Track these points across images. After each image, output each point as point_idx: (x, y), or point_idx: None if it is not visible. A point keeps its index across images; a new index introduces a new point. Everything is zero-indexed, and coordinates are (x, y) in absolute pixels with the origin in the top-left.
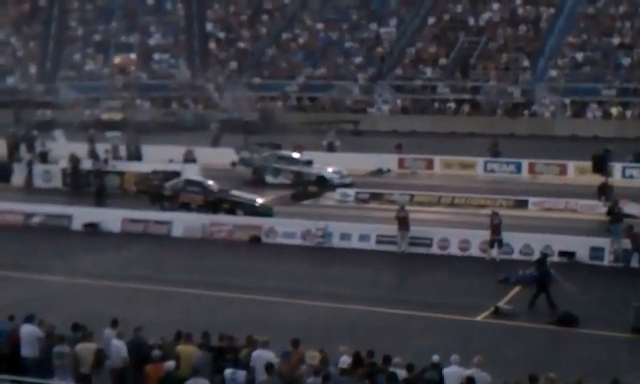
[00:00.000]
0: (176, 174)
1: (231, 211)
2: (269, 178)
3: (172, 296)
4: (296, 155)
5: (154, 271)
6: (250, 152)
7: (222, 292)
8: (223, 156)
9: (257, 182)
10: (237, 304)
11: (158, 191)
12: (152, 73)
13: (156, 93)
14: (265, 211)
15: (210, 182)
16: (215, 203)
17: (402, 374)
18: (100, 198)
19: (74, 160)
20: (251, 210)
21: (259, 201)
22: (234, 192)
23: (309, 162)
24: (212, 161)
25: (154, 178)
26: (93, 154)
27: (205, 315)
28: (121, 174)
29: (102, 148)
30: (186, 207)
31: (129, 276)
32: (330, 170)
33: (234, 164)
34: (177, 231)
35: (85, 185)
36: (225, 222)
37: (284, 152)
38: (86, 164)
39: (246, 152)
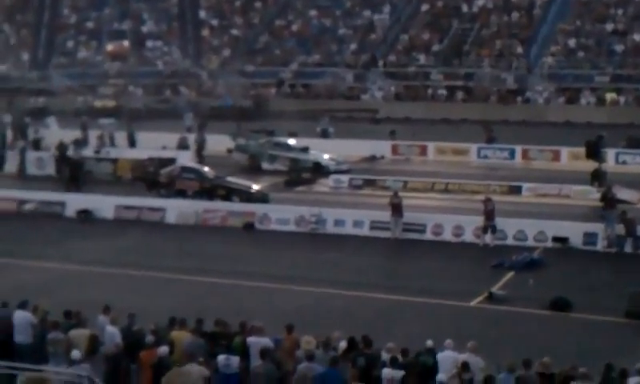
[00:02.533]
0: (171, 161)
1: (227, 198)
2: (265, 165)
3: (166, 282)
4: (292, 142)
5: (148, 258)
6: (246, 139)
7: (215, 278)
8: (217, 143)
9: (253, 169)
10: (231, 290)
11: (153, 178)
12: (145, 60)
13: (149, 80)
14: (261, 197)
15: (206, 169)
16: (211, 190)
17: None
18: (71, 184)
19: (62, 147)
20: (247, 196)
21: (255, 187)
22: (230, 178)
23: (305, 149)
24: (206, 147)
25: (149, 165)
26: (75, 141)
27: (199, 301)
28: (114, 160)
29: (94, 135)
30: (181, 194)
31: (122, 262)
32: (326, 156)
33: (230, 151)
34: (170, 218)
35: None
36: (218, 208)
37: (280, 139)
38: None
39: (242, 139)
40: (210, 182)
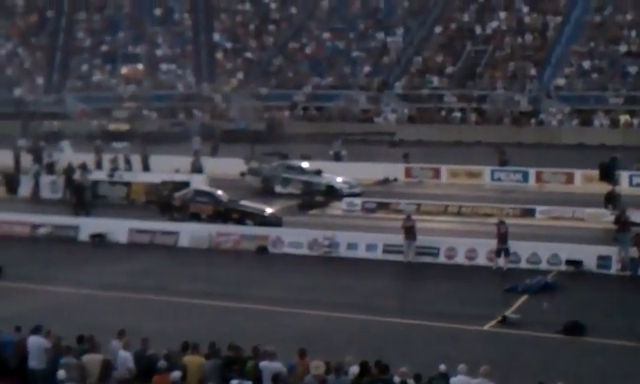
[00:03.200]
0: (185, 185)
1: (241, 221)
2: (278, 188)
3: (179, 306)
4: (305, 165)
5: (161, 282)
6: (259, 162)
7: (228, 302)
8: (230, 166)
9: (266, 192)
10: (244, 314)
11: (167, 201)
12: (159, 83)
13: (163, 103)
14: (274, 221)
15: (220, 192)
16: (225, 213)
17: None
18: (77, 208)
19: (68, 170)
20: (261, 219)
21: (269, 210)
22: (244, 202)
23: (318, 172)
24: (219, 170)
25: (163, 189)
26: (82, 165)
27: (212, 325)
28: (127, 184)
29: (108, 158)
30: (195, 217)
31: (135, 287)
32: (339, 179)
33: (242, 174)
34: (183, 241)
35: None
36: (231, 232)
37: (293, 162)
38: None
39: (255, 162)
40: (224, 206)
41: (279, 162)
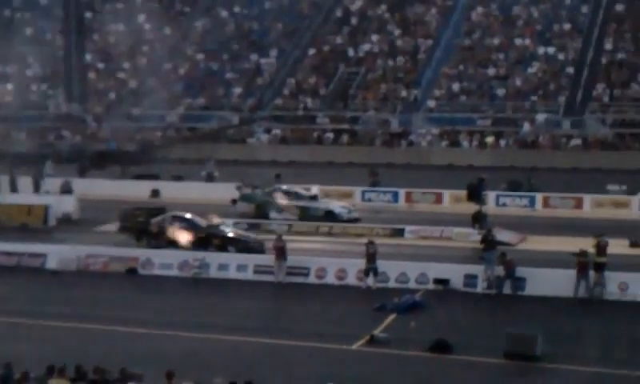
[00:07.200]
0: (161, 210)
1: (223, 247)
2: (273, 214)
3: (44, 330)
4: (300, 190)
5: (28, 305)
6: (252, 188)
7: (96, 324)
8: (100, 187)
9: (260, 219)
10: (112, 337)
11: (143, 227)
12: (29, 103)
13: (33, 123)
14: (257, 247)
15: (198, 218)
16: (205, 239)
17: None
18: None
19: None
20: (243, 245)
21: (252, 236)
22: (224, 227)
23: (314, 197)
24: (89, 192)
25: (139, 214)
26: None
27: (79, 348)
28: None
29: None
30: (173, 244)
31: (0, 310)
32: (338, 204)
33: (234, 201)
34: (51, 264)
35: None
36: (100, 253)
37: (288, 187)
38: None
39: (248, 188)
40: (204, 231)
41: (273, 187)
